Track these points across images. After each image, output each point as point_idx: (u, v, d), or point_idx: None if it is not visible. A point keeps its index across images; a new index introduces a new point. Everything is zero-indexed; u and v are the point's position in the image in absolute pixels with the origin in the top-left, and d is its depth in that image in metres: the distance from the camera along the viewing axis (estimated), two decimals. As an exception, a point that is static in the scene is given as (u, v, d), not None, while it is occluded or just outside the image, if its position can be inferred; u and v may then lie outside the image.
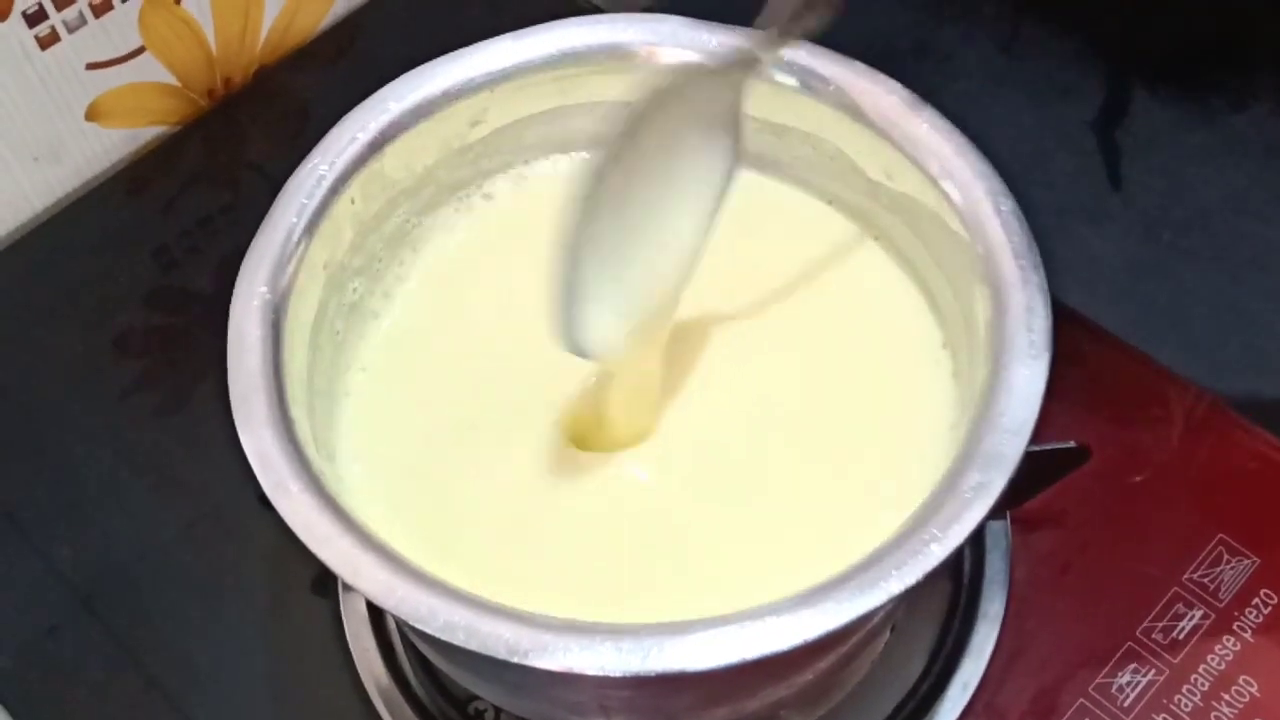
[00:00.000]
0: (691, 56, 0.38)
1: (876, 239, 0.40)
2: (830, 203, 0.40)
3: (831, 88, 0.37)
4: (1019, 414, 0.31)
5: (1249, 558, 0.42)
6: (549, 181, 0.41)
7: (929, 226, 0.36)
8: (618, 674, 0.29)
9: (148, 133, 0.56)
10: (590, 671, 0.29)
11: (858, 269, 0.39)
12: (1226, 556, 0.42)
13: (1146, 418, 0.45)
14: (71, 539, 0.46)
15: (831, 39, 0.38)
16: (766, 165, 0.41)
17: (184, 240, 0.53)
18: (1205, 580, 0.42)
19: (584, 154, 0.41)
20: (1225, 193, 0.53)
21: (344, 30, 0.60)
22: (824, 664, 0.36)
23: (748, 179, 0.41)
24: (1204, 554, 0.42)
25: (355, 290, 0.39)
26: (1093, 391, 0.45)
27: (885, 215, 0.39)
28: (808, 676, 0.35)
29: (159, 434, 0.48)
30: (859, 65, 0.37)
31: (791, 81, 0.38)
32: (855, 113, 0.37)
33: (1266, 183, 0.53)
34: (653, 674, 0.29)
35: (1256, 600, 0.41)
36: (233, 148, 0.57)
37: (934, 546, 0.30)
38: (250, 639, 0.43)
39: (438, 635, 0.29)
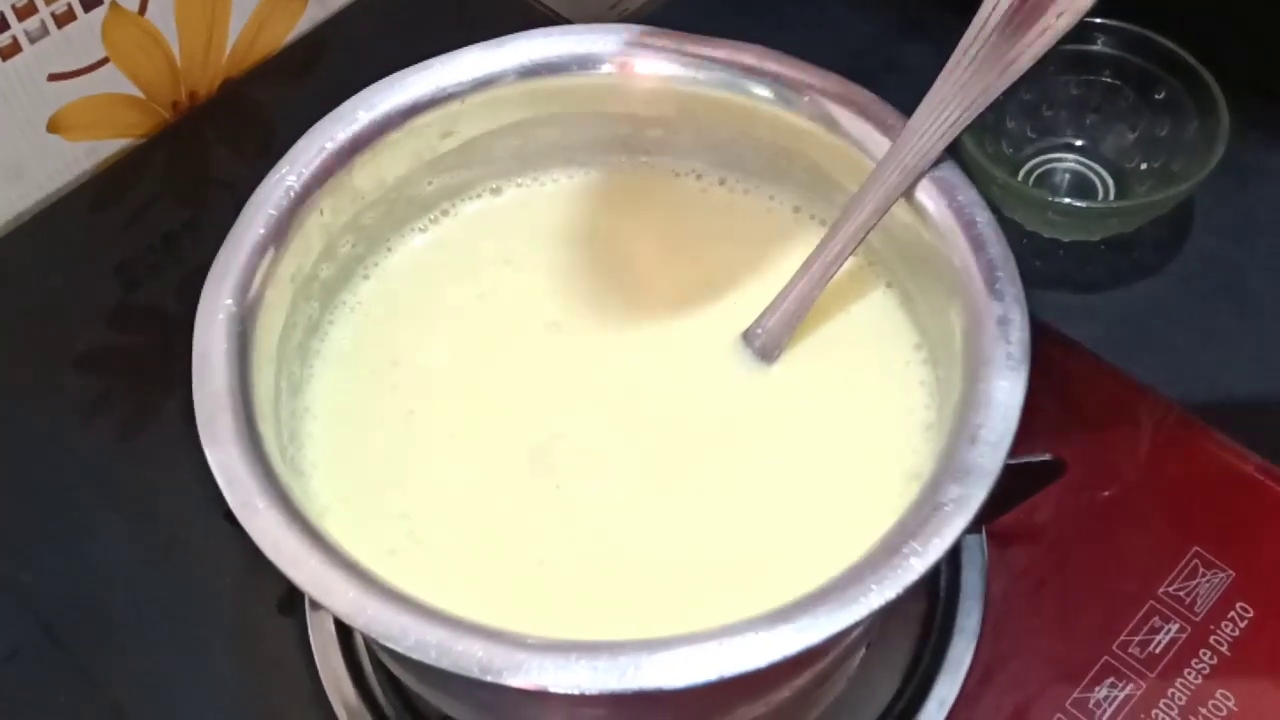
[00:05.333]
0: (664, 68, 0.38)
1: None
2: (809, 215, 0.40)
3: (806, 99, 0.37)
4: (998, 426, 0.31)
5: (1224, 571, 0.42)
6: (516, 202, 0.41)
7: (905, 237, 0.36)
8: (594, 692, 0.28)
9: (111, 146, 0.55)
10: (565, 690, 0.28)
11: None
12: (1201, 570, 0.42)
13: (1118, 432, 0.45)
14: (32, 563, 0.45)
15: (802, 57, 0.38)
16: (741, 176, 0.41)
17: (147, 256, 0.52)
18: (1181, 594, 0.41)
19: (551, 176, 0.41)
20: (1193, 211, 0.53)
21: (311, 43, 0.59)
22: (800, 681, 0.35)
23: (718, 191, 0.41)
24: (1179, 567, 0.42)
25: (322, 302, 0.38)
26: (1063, 406, 0.45)
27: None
28: (784, 694, 0.35)
29: (122, 455, 0.47)
30: (833, 77, 0.37)
31: (766, 94, 0.38)
32: (830, 124, 0.37)
33: (1233, 201, 0.53)
34: (629, 692, 0.28)
35: (1233, 614, 0.41)
36: (198, 162, 0.56)
37: (914, 560, 0.29)
38: (216, 662, 0.42)
39: (409, 654, 0.29)
